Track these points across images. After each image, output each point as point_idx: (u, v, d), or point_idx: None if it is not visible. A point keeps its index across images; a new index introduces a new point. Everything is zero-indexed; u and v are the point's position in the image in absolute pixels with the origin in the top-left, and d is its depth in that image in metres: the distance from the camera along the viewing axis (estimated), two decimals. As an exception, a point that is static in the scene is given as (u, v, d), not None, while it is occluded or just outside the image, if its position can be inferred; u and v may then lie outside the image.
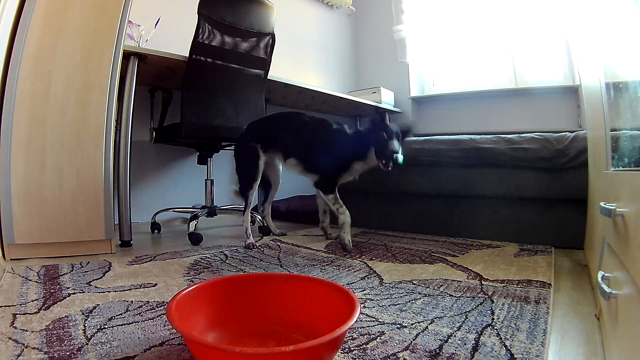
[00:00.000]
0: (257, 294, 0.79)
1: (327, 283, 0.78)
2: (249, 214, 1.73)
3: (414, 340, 0.73)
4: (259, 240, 1.79)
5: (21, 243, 1.34)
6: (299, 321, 0.74)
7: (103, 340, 0.70)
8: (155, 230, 2.04)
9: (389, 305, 0.93)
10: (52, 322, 0.78)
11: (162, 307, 0.89)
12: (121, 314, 0.84)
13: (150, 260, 1.36)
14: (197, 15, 1.62)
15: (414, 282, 1.13)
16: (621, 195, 0.65)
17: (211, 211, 1.98)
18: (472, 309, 0.89)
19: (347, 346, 0.70)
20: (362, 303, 0.93)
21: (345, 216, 1.59)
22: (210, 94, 1.75)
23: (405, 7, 3.45)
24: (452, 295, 1.00)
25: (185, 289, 0.71)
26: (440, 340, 0.73)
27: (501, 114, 3.14)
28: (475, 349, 0.69)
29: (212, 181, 2.05)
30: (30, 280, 1.08)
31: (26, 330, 0.74)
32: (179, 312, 0.62)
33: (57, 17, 1.38)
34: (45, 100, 1.36)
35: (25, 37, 1.31)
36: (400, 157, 1.53)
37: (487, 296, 0.99)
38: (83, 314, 0.83)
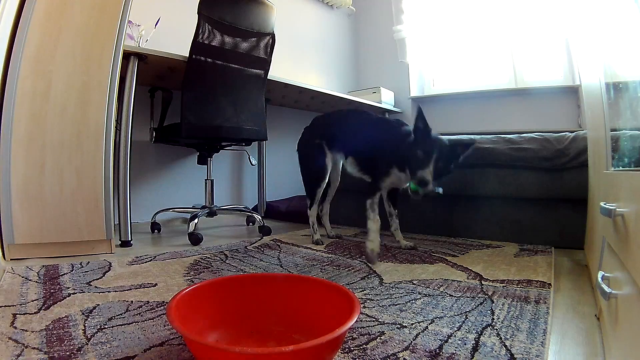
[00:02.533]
0: (257, 294, 0.79)
1: (327, 283, 0.78)
2: (312, 210, 1.77)
3: (414, 340, 0.73)
4: (260, 240, 1.79)
5: (21, 243, 1.34)
6: (299, 321, 0.74)
7: (103, 340, 0.70)
8: (155, 230, 2.04)
9: (389, 305, 0.93)
10: (52, 322, 0.78)
11: (162, 307, 0.89)
12: (121, 314, 0.84)
13: (150, 260, 1.36)
14: (197, 15, 1.62)
15: (414, 282, 1.13)
16: (621, 195, 0.65)
17: (211, 211, 1.98)
18: (472, 309, 0.89)
19: (347, 346, 0.70)
20: (362, 303, 0.93)
21: (370, 222, 1.41)
22: (210, 93, 1.75)
23: (405, 7, 3.45)
24: (452, 295, 1.00)
25: (185, 289, 0.70)
26: (440, 340, 0.73)
27: (501, 114, 3.14)
28: (475, 349, 0.69)
29: (212, 181, 2.05)
30: (30, 280, 1.08)
31: (26, 330, 0.74)
32: (179, 312, 0.62)
33: (57, 17, 1.38)
34: (45, 99, 1.36)
35: (25, 37, 1.31)
36: (435, 188, 1.25)
37: (487, 296, 0.99)
38: (83, 314, 0.83)
